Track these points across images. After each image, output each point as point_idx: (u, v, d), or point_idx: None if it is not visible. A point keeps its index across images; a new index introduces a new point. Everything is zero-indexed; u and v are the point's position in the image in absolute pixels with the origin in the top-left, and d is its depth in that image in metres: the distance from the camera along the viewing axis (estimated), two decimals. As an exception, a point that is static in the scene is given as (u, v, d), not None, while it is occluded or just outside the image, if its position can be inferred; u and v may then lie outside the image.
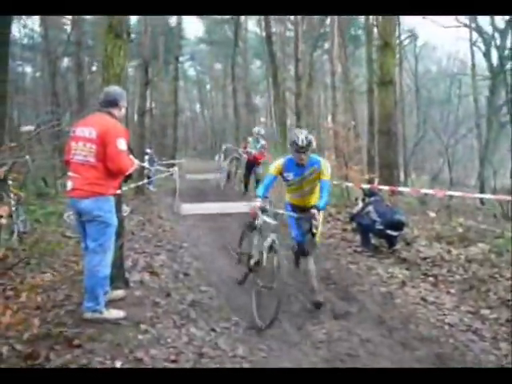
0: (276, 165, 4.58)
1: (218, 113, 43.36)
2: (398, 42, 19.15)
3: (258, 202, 4.30)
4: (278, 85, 17.84)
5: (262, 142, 11.21)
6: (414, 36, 27.75)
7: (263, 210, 4.32)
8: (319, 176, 4.48)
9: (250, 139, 11.49)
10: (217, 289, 4.94)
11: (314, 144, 4.45)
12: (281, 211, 4.58)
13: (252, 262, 4.57)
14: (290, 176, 4.58)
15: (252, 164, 11.32)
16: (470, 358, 3.45)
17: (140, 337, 3.57)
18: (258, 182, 10.34)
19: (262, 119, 37.30)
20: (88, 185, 3.68)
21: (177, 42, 22.51)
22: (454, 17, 22.70)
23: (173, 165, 16.39)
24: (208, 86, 48.41)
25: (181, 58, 28.54)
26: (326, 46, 25.73)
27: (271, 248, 4.15)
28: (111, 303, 4.06)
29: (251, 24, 31.87)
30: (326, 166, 4.50)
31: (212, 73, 44.49)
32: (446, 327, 4.01)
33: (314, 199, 4.63)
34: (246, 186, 11.69)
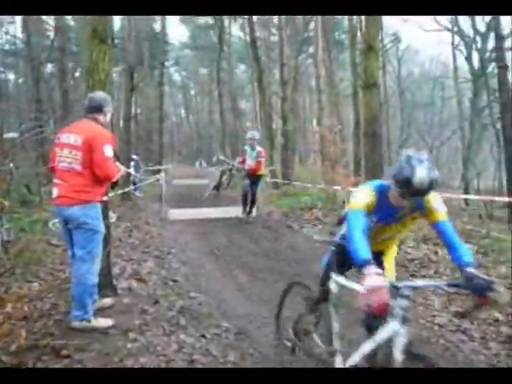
0: (367, 202, 2.60)
1: (204, 118, 43.35)
2: (381, 45, 19.36)
3: (378, 276, 2.19)
4: (263, 89, 17.88)
5: (258, 148, 9.20)
6: (397, 39, 28.12)
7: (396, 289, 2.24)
8: (420, 217, 2.74)
9: (245, 148, 9.49)
10: (206, 295, 4.91)
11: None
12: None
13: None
14: (375, 219, 2.73)
15: (252, 178, 9.24)
16: (460, 359, 3.48)
17: (129, 345, 3.52)
18: (252, 202, 9.32)
19: (248, 124, 37.35)
20: (74, 192, 3.64)
21: (162, 48, 22.48)
22: (435, 20, 23.04)
23: (159, 170, 16.34)
24: (193, 91, 48.39)
25: (166, 64, 28.48)
26: (311, 50, 25.89)
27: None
28: (99, 312, 4.00)
29: (235, 29, 31.97)
30: (437, 200, 2.66)
31: (197, 78, 44.52)
32: (436, 328, 4.04)
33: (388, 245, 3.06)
34: (246, 208, 9.40)
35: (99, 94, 3.96)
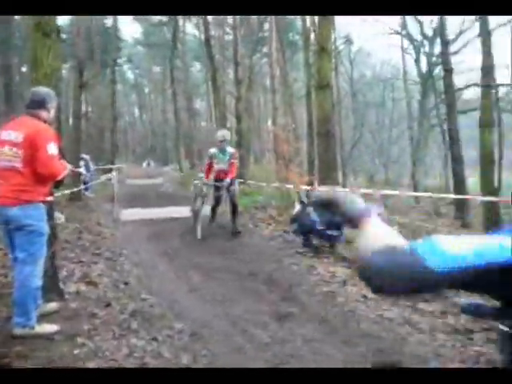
0: None
1: (158, 117, 42.67)
2: (333, 47, 19.69)
3: None
4: (217, 88, 17.80)
5: (231, 150, 8.05)
6: (349, 41, 28.74)
7: None
8: None
9: (213, 151, 7.99)
10: (158, 296, 4.81)
11: None
12: None
13: None
14: None
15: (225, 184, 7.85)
16: (408, 351, 3.57)
17: (76, 351, 3.38)
18: (234, 208, 8.00)
19: (203, 123, 37.12)
20: (14, 192, 3.45)
21: (114, 44, 21.89)
22: (386, 25, 23.74)
23: (111, 169, 15.96)
24: (147, 90, 47.53)
25: (118, 61, 27.79)
26: (265, 50, 26.02)
27: None
28: (44, 317, 3.82)
29: (190, 26, 31.65)
30: None
31: (151, 76, 43.76)
32: (386, 322, 4.13)
33: None
34: (213, 214, 8.35)
35: (42, 89, 3.78)
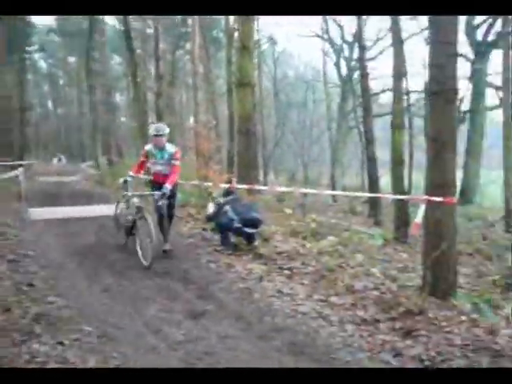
0: None
1: (74, 110, 40.55)
2: (257, 45, 19.91)
3: None
4: (137, 83, 17.27)
5: (171, 148, 6.35)
6: (272, 41, 29.18)
7: None
8: None
9: (148, 148, 6.40)
10: (67, 298, 4.54)
11: None
12: None
13: None
14: None
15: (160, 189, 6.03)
16: (320, 343, 3.68)
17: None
18: (170, 217, 6.47)
19: (123, 119, 35.88)
20: None
21: (23, 30, 20.38)
22: (309, 27, 24.42)
23: (20, 165, 14.96)
24: (61, 81, 44.99)
25: (28, 48, 25.94)
26: (188, 46, 25.69)
27: None
28: None
29: (109, 17, 30.36)
30: None
31: (66, 67, 41.43)
32: (300, 316, 4.23)
33: None
34: (162, 229, 6.37)
35: None
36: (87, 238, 7.39)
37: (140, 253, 5.87)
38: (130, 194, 6.31)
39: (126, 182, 6.36)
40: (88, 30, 23.60)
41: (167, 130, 6.38)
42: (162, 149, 6.29)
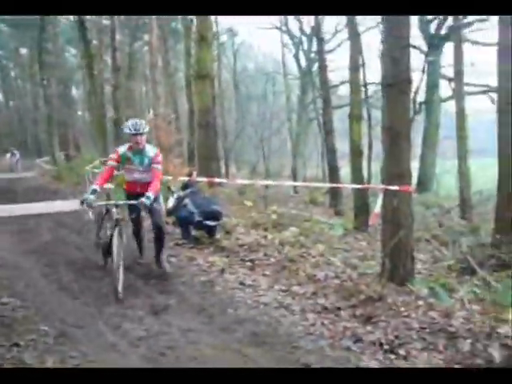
0: None
1: (28, 103, 39.01)
2: (215, 37, 19.72)
3: None
4: (93, 75, 16.78)
5: (151, 150, 5.08)
6: (232, 33, 28.95)
7: None
8: None
9: (122, 152, 4.99)
10: (22, 299, 4.38)
11: None
12: None
13: None
14: None
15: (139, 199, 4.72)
16: (281, 332, 3.71)
17: None
18: (159, 234, 5.26)
19: (80, 113, 34.84)
20: None
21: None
22: (268, 19, 24.35)
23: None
24: (13, 73, 43.18)
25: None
26: (146, 38, 25.14)
27: None
28: None
29: (62, 8, 29.19)
30: None
31: (18, 58, 39.74)
32: (262, 307, 4.26)
33: None
34: (138, 242, 5.64)
35: None
36: (44, 235, 7.16)
37: (119, 279, 4.44)
38: (111, 203, 4.98)
39: (88, 203, 4.61)
40: (40, 20, 22.67)
41: (146, 128, 4.97)
42: (140, 152, 4.96)
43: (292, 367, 3.15)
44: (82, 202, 4.65)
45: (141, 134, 4.89)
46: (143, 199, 4.63)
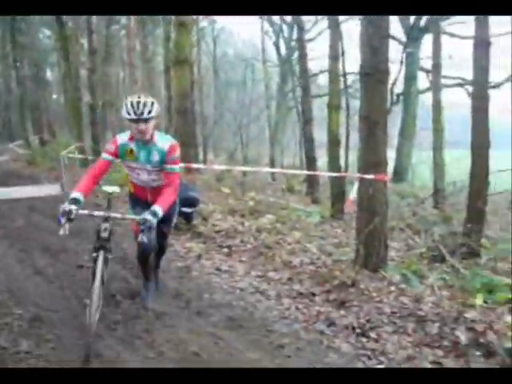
0: None
1: None
2: (195, 22, 19.43)
3: None
4: (68, 58, 16.38)
5: (164, 142, 3.56)
6: (212, 19, 28.55)
7: None
8: None
9: (122, 142, 3.55)
10: (-5, 282, 4.33)
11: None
12: None
13: None
14: None
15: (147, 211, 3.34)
16: (257, 316, 3.78)
17: None
18: (159, 253, 4.22)
19: (54, 96, 34.02)
20: None
21: None
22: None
23: None
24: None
25: None
26: (124, 20, 24.65)
27: None
28: None
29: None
30: None
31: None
32: (238, 292, 4.32)
33: None
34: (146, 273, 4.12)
35: None
36: (17, 221, 7.03)
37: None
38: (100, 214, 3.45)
39: (69, 216, 3.16)
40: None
41: (156, 109, 3.38)
42: (147, 144, 3.51)
43: (292, 367, 3.08)
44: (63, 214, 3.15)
45: (145, 121, 3.31)
46: (147, 215, 3.24)
